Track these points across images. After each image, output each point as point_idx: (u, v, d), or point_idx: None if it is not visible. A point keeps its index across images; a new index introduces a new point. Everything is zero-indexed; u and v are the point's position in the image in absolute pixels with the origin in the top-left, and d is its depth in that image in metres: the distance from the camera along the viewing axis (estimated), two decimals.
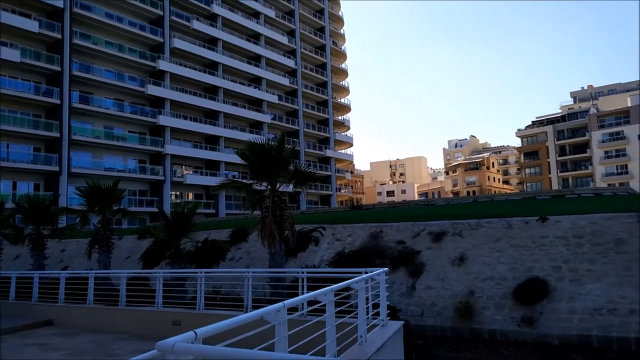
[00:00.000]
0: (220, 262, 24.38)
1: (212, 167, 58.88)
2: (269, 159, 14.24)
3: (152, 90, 53.49)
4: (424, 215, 25.69)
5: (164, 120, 54.15)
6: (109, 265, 20.87)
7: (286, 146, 15.54)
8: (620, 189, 43.30)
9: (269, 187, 14.83)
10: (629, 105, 79.49)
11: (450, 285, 19.12)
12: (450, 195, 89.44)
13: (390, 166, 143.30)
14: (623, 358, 14.90)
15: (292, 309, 7.01)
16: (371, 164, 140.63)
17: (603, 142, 79.91)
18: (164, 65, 54.85)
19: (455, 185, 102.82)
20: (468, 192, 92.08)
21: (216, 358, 3.63)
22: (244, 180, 16.46)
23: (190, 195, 57.98)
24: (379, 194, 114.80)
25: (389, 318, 9.19)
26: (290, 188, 16.63)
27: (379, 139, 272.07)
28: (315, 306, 7.05)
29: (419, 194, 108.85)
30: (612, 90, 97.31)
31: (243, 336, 4.56)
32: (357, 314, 7.72)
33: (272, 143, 15.12)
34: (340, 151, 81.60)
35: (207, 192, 57.15)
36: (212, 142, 59.87)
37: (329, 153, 76.37)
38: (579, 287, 16.81)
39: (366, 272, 8.69)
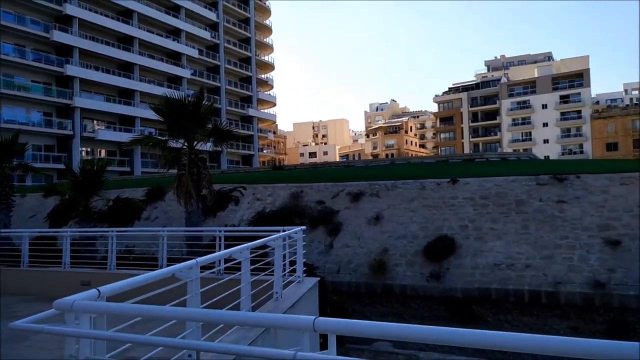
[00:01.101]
0: (135, 222, 23.52)
1: (126, 122, 55.85)
2: (186, 114, 13.69)
3: (58, 36, 49.12)
4: (344, 176, 26.21)
5: (73, 70, 50.17)
6: (9, 224, 19.44)
7: (204, 102, 14.99)
8: (523, 154, 46.61)
9: (186, 144, 14.32)
10: (536, 76, 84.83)
11: (366, 243, 19.84)
12: (370, 158, 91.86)
13: (314, 127, 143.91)
14: (517, 308, 16.38)
15: (207, 267, 6.93)
16: (294, 124, 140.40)
17: (511, 110, 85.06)
18: (71, 9, 50.36)
19: (375, 147, 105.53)
20: (387, 155, 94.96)
21: (118, 314, 3.49)
22: (160, 137, 15.77)
23: (103, 152, 54.88)
24: (302, 155, 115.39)
25: (305, 275, 9.37)
26: (209, 146, 16.19)
27: (304, 100, 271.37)
28: (230, 264, 7.01)
29: (340, 156, 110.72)
30: (522, 61, 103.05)
31: (152, 294, 4.43)
32: (274, 271, 7.79)
33: (190, 98, 14.53)
34: (263, 111, 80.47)
35: (121, 149, 54.39)
36: (126, 96, 56.59)
37: (251, 112, 75.09)
38: (482, 245, 18.10)
39: (284, 231, 8.74)
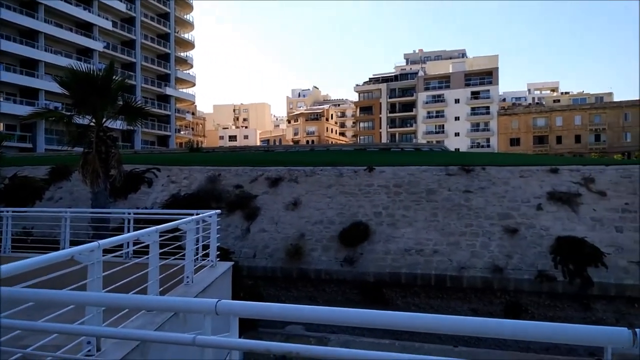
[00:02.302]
0: (37, 203, 21.90)
1: (29, 95, 51.46)
2: (94, 89, 12.81)
3: None
4: (263, 161, 26.05)
5: None
6: None
7: (115, 77, 14.14)
8: (436, 145, 48.88)
9: (94, 120, 13.44)
10: (450, 71, 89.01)
11: (284, 228, 19.89)
12: (291, 143, 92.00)
13: (234, 110, 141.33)
14: (424, 291, 17.24)
15: (114, 251, 6.58)
16: (215, 106, 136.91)
17: (427, 103, 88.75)
18: None
19: (296, 134, 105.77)
20: (307, 141, 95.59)
21: (9, 299, 3.21)
22: (64, 112, 14.66)
23: (1, 126, 50.31)
24: (221, 138, 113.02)
25: (218, 259, 9.21)
26: (121, 125, 15.32)
27: (225, 82, 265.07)
28: (138, 247, 6.71)
29: (261, 140, 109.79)
30: (438, 56, 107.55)
31: (49, 277, 4.13)
32: (185, 255, 7.57)
33: (100, 72, 13.63)
34: (181, 90, 77.58)
35: (22, 124, 50.13)
36: (29, 66, 52.06)
37: (169, 91, 72.15)
38: (394, 231, 18.79)
39: (198, 214, 8.50)
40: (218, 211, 9.14)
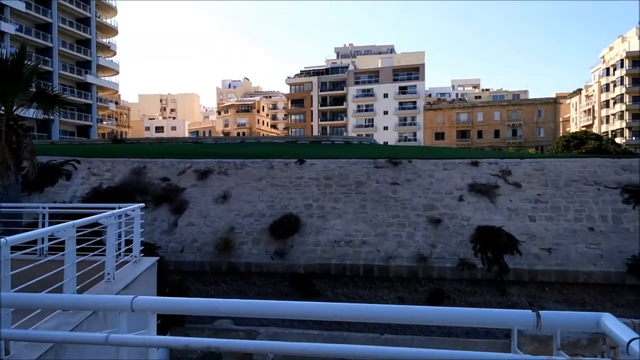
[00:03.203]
0: None
1: None
2: (3, 74, 11.85)
3: None
4: (192, 152, 25.38)
5: None
6: None
7: (28, 62, 13.15)
8: (365, 139, 49.81)
9: (3, 108, 12.45)
10: (380, 66, 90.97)
11: (213, 221, 19.52)
12: (221, 135, 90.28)
13: (161, 101, 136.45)
14: (353, 282, 17.57)
15: (24, 247, 6.15)
16: (140, 96, 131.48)
17: (357, 97, 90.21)
18: None
19: (226, 125, 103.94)
20: (238, 133, 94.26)
21: None
22: None
23: None
24: (147, 129, 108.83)
25: (142, 255, 8.87)
26: (34, 113, 14.29)
27: (152, 72, 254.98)
28: (53, 242, 6.32)
29: (189, 132, 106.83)
30: (368, 50, 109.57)
31: None
32: (106, 251, 7.23)
33: (9, 56, 12.62)
34: (103, 78, 73.69)
35: None
36: None
37: (90, 79, 68.28)
38: (324, 223, 18.99)
39: (120, 208, 8.13)
40: (142, 205, 8.80)
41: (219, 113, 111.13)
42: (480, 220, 18.18)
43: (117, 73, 77.28)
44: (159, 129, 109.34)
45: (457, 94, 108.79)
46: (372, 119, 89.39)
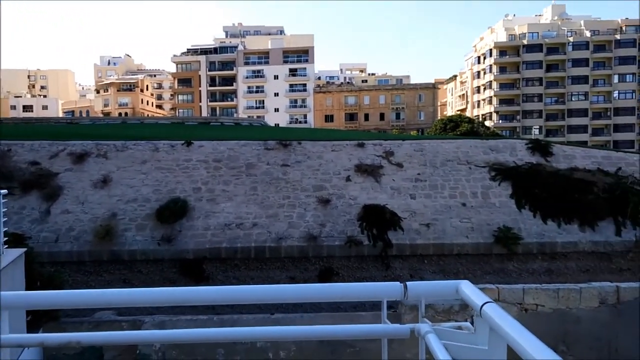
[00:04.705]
0: None
1: None
2: None
3: None
4: (66, 134, 23.38)
5: None
6: None
7: None
8: (255, 120, 49.51)
9: None
10: (269, 47, 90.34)
11: (91, 208, 18.22)
12: (101, 115, 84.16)
13: (29, 77, 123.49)
14: (244, 264, 17.50)
15: None
16: (4, 71, 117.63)
17: (247, 77, 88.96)
18: None
19: (106, 105, 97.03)
20: (120, 114, 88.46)
21: None
22: None
23: None
24: (13, 107, 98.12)
25: (6, 246, 8.02)
26: None
27: (18, 45, 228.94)
28: None
29: (64, 112, 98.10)
30: (257, 31, 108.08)
31: None
32: None
33: None
34: None
35: None
36: None
37: None
38: (214, 206, 18.61)
39: None
40: (3, 192, 7.92)
41: (98, 92, 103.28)
42: (366, 199, 18.98)
43: None
44: (27, 108, 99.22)
45: (345, 78, 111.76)
46: (263, 101, 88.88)
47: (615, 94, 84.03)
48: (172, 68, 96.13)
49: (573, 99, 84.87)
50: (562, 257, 17.65)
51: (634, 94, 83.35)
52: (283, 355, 8.64)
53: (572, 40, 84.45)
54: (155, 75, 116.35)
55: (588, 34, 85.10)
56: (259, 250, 17.34)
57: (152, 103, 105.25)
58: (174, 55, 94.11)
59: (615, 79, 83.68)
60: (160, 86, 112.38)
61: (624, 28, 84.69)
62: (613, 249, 17.56)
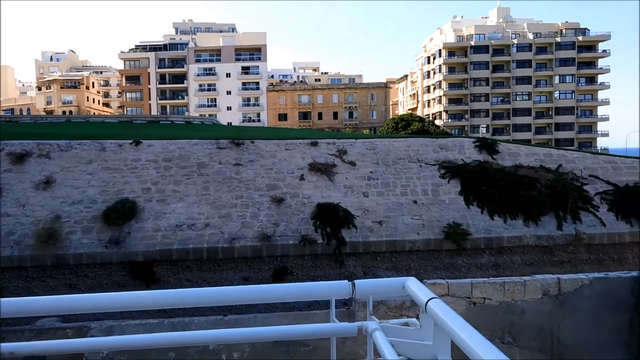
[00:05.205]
0: None
1: None
2: None
3: None
4: (4, 133, 22.19)
5: None
6: None
7: None
8: (207, 119, 48.67)
9: None
10: (221, 45, 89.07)
11: (33, 211, 17.40)
12: (43, 114, 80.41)
13: None
14: (197, 266, 17.19)
15: None
16: None
17: (198, 75, 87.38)
18: None
19: (49, 103, 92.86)
20: (64, 112, 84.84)
21: None
22: None
23: None
24: None
25: None
26: None
27: None
28: None
29: (3, 110, 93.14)
30: (208, 28, 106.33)
31: None
32: None
33: None
34: None
35: None
36: None
37: None
38: (164, 207, 18.17)
39: None
40: None
41: (40, 89, 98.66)
42: (320, 198, 19.04)
43: None
44: None
45: (298, 77, 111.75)
46: (215, 99, 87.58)
47: (557, 94, 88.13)
48: (120, 65, 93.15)
49: (517, 99, 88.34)
50: (508, 251, 18.33)
51: (573, 94, 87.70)
52: (237, 356, 8.54)
53: (516, 42, 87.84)
54: (101, 72, 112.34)
55: (531, 36, 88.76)
56: (212, 251, 17.06)
57: (99, 101, 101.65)
58: (122, 52, 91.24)
59: (556, 79, 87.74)
60: (107, 83, 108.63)
61: (564, 31, 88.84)
62: (555, 243, 18.40)
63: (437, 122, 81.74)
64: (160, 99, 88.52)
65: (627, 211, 18.95)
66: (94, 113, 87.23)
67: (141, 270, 16.48)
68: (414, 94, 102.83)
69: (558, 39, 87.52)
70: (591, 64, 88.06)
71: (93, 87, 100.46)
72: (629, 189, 19.63)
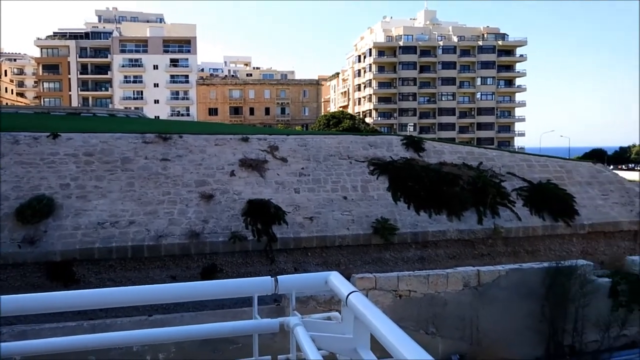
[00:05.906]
0: None
1: None
2: None
3: None
4: None
5: None
6: None
7: None
8: (132, 112, 46.78)
9: None
10: (148, 35, 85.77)
11: None
12: None
13: None
14: (120, 265, 16.49)
15: None
16: None
17: (123, 66, 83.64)
18: None
19: None
20: None
21: None
22: None
23: None
24: None
25: None
26: None
27: None
28: None
29: None
30: (134, 17, 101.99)
31: None
32: None
33: None
34: None
35: None
36: None
37: None
38: (85, 204, 17.25)
39: None
40: None
41: None
42: (250, 194, 18.86)
43: None
44: None
45: (229, 71, 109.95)
46: (142, 92, 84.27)
47: (478, 95, 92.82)
48: (37, 52, 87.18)
49: (443, 99, 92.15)
50: (432, 245, 19.08)
51: (493, 95, 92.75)
52: (162, 357, 8.29)
53: (441, 44, 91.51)
54: (15, 60, 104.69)
55: (455, 39, 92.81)
56: (137, 249, 16.42)
57: (12, 90, 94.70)
58: (38, 39, 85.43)
59: (478, 81, 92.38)
60: (22, 72, 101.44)
61: (485, 35, 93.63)
62: (476, 236, 19.37)
63: (368, 119, 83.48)
64: (81, 90, 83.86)
65: (539, 206, 20.31)
66: (7, 103, 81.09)
67: (59, 270, 15.57)
68: (345, 92, 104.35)
69: (480, 43, 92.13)
70: (510, 67, 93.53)
71: (6, 75, 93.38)
72: (541, 185, 21.05)
